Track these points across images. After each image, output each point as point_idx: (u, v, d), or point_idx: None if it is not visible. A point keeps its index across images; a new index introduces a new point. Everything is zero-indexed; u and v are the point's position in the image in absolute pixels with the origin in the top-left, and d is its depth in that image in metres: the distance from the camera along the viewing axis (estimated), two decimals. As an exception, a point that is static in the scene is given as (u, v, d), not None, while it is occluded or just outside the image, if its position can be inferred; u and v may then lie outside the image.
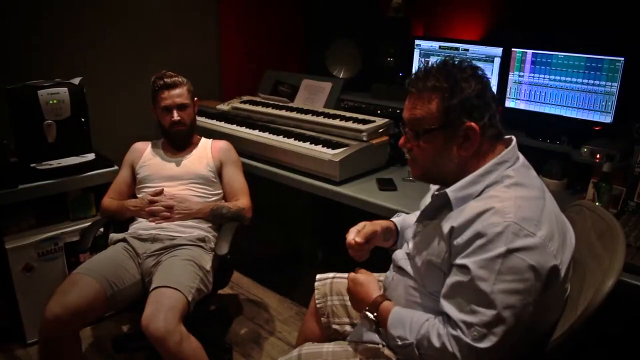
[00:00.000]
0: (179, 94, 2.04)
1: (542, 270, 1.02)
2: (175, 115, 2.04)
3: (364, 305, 1.24)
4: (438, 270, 1.14)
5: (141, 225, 1.97)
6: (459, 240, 1.07)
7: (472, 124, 1.11)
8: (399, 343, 1.12)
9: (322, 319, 1.53)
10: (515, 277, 1.00)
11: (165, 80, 2.04)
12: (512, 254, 1.00)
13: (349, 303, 1.50)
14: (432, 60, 2.44)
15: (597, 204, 1.67)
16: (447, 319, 1.06)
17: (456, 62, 1.16)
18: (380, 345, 1.31)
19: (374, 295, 1.23)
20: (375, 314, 1.20)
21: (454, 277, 1.07)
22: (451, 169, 1.16)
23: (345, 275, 1.57)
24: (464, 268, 1.04)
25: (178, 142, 2.14)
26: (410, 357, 1.11)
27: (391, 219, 1.52)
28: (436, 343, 1.05)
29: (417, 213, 1.36)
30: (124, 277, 1.78)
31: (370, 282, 1.28)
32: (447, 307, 1.06)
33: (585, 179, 1.86)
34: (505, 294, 1.00)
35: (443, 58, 1.19)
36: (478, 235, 1.04)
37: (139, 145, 2.19)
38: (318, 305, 1.54)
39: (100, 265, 1.77)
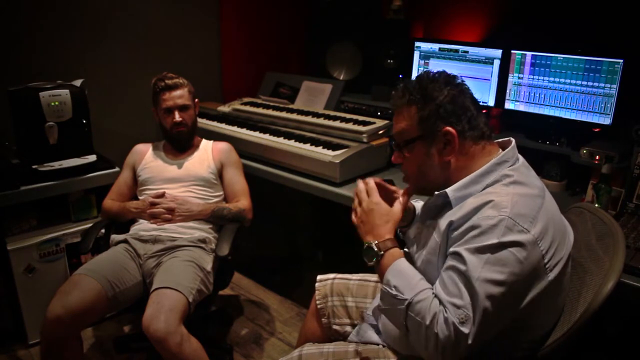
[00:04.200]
0: (180, 95, 2.06)
1: (529, 267, 1.03)
2: (177, 117, 2.05)
3: (373, 235, 1.20)
4: (435, 268, 1.15)
5: (142, 227, 1.98)
6: (456, 233, 1.09)
7: (449, 128, 1.14)
8: (392, 292, 1.10)
9: (323, 319, 1.53)
10: (502, 269, 1.01)
11: (167, 81, 2.05)
12: (503, 247, 1.02)
13: (349, 304, 1.52)
14: (432, 62, 2.46)
15: (596, 205, 1.68)
16: (439, 300, 1.06)
17: (430, 74, 1.20)
18: (381, 346, 1.31)
19: (387, 235, 1.20)
20: (383, 251, 1.17)
21: (446, 263, 1.09)
22: (438, 176, 1.19)
23: (347, 275, 1.59)
24: (455, 254, 1.06)
25: (179, 144, 2.15)
26: (395, 310, 1.10)
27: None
28: (428, 317, 1.04)
29: None
30: (125, 278, 1.79)
31: (397, 223, 1.23)
32: (437, 289, 1.07)
33: (585, 181, 1.87)
34: (489, 283, 1.01)
35: (420, 73, 1.23)
36: (473, 226, 1.05)
37: (140, 147, 2.20)
38: (319, 306, 1.55)
39: (101, 266, 1.78)
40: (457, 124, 1.14)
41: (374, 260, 1.17)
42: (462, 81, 1.20)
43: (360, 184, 1.29)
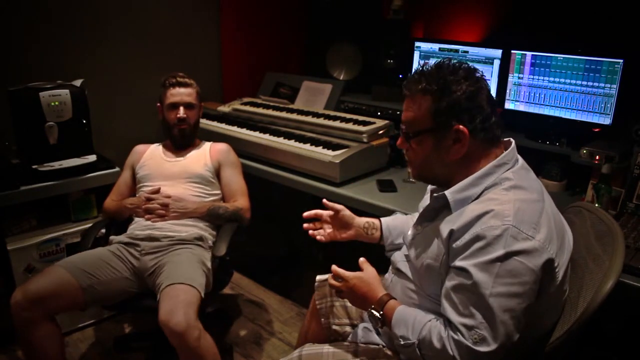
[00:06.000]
0: (187, 93, 2.11)
1: (541, 273, 1.03)
2: (181, 112, 2.08)
3: (369, 303, 1.23)
4: (437, 273, 1.15)
5: (137, 226, 1.99)
6: (458, 243, 1.07)
7: (461, 126, 1.11)
8: (402, 342, 1.13)
9: (323, 319, 1.53)
10: (513, 280, 1.01)
11: (178, 79, 2.11)
12: (510, 257, 1.01)
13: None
14: (431, 62, 2.45)
15: (596, 205, 1.68)
16: (448, 323, 1.07)
17: (451, 64, 1.16)
18: (381, 346, 1.31)
19: (379, 294, 1.23)
20: (381, 312, 1.20)
21: (452, 280, 1.07)
22: (442, 171, 1.18)
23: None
24: (462, 271, 1.05)
25: (180, 142, 2.15)
26: (413, 356, 1.12)
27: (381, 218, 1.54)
28: (437, 345, 1.06)
29: (416, 215, 1.37)
30: (104, 271, 1.80)
31: (376, 278, 1.27)
32: (447, 310, 1.07)
33: (585, 181, 1.87)
34: (504, 297, 1.00)
35: (440, 59, 1.19)
36: (477, 237, 1.04)
37: (139, 147, 2.22)
38: (318, 306, 1.54)
39: (77, 260, 1.81)
40: (470, 123, 1.11)
41: (379, 322, 1.20)
42: (482, 75, 1.16)
43: (330, 279, 1.32)
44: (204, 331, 1.64)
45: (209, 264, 1.90)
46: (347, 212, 1.52)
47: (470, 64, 1.18)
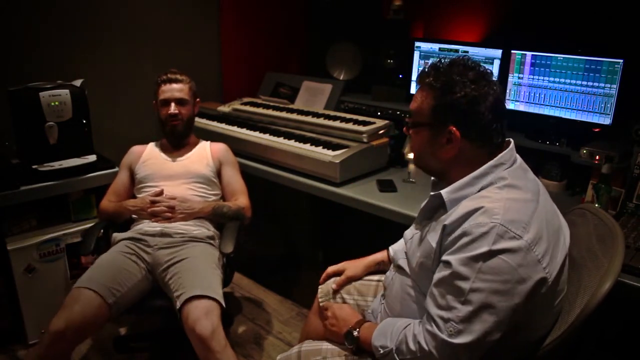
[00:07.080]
0: (179, 88, 2.08)
1: (525, 274, 1.02)
2: (172, 108, 2.06)
3: (347, 325, 1.29)
4: (430, 272, 1.15)
5: (145, 225, 1.97)
6: (449, 238, 1.09)
7: (455, 128, 1.12)
8: (381, 352, 1.15)
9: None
10: (495, 277, 1.01)
11: (169, 75, 2.09)
12: (495, 255, 1.01)
13: (351, 302, 1.52)
14: (430, 61, 2.45)
15: (596, 205, 1.68)
16: (427, 315, 1.09)
17: (463, 64, 1.15)
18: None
19: (355, 319, 1.30)
20: (358, 329, 1.25)
21: (437, 273, 1.09)
22: (435, 166, 1.21)
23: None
24: (446, 264, 1.07)
25: (174, 139, 2.14)
26: None
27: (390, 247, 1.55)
28: (412, 345, 1.08)
29: None
30: (125, 280, 1.78)
31: (350, 308, 1.39)
32: (428, 302, 1.09)
33: (585, 181, 1.87)
34: (484, 293, 1.01)
35: (458, 57, 1.19)
36: (464, 233, 1.05)
37: (136, 148, 2.20)
38: (321, 304, 1.55)
39: (100, 274, 1.76)
40: (464, 127, 1.12)
41: (354, 341, 1.25)
42: (493, 81, 1.14)
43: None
44: (228, 343, 1.66)
45: (220, 264, 1.91)
46: (350, 270, 1.57)
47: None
